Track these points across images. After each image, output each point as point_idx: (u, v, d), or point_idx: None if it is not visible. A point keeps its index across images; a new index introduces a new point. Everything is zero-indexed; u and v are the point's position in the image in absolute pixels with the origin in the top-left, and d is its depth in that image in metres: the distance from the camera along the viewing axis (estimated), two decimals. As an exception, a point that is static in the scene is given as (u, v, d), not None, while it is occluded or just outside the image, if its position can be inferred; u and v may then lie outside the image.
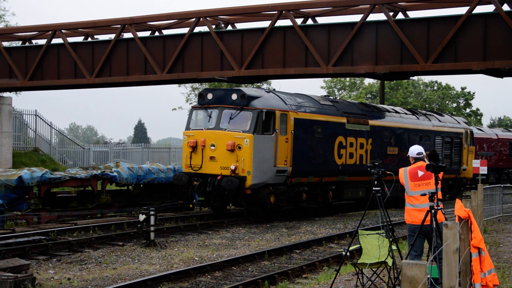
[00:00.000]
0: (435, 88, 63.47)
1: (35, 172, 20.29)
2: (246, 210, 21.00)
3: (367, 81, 59.14)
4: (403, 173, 9.49)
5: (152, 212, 16.21)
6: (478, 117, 64.74)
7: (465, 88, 63.90)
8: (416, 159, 9.60)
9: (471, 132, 31.95)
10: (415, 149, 9.69)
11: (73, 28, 27.43)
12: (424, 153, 9.66)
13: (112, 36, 26.00)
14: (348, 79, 58.45)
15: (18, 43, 30.96)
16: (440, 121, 29.81)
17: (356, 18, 26.17)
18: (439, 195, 8.85)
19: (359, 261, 9.81)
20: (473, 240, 7.74)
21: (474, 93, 64.09)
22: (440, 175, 8.95)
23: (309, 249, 16.27)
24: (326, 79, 57.62)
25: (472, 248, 7.72)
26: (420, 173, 9.33)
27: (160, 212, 21.55)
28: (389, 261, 9.51)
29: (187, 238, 17.70)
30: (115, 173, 22.43)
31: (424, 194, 8.98)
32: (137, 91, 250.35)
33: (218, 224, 20.29)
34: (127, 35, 25.96)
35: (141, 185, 23.78)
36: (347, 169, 23.49)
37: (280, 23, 23.43)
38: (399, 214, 23.29)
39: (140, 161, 36.57)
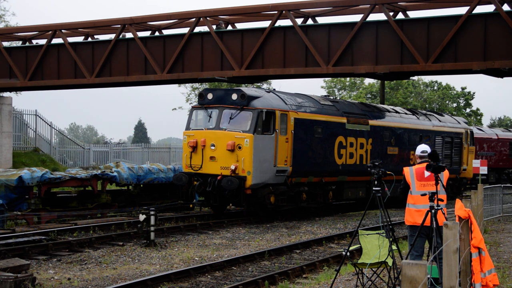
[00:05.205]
0: (435, 88, 63.43)
1: (35, 172, 20.28)
2: (246, 210, 20.99)
3: (367, 81, 59.14)
4: (409, 172, 9.41)
5: (152, 212, 16.21)
6: (478, 117, 64.70)
7: (465, 88, 63.89)
8: (421, 158, 9.56)
9: (471, 132, 31.95)
10: (419, 148, 9.67)
11: (73, 28, 27.45)
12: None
13: (112, 36, 26.00)
14: (348, 79, 58.41)
15: (18, 43, 30.97)
16: (440, 121, 29.80)
17: (356, 18, 26.19)
18: (444, 197, 8.82)
19: (359, 261, 9.80)
20: (473, 240, 7.74)
21: (474, 93, 64.08)
22: (446, 175, 8.91)
23: (309, 249, 16.26)
24: (326, 79, 57.60)
25: (472, 248, 7.71)
26: (427, 174, 9.23)
27: (160, 212, 21.55)
28: (389, 261, 9.50)
29: (187, 238, 17.70)
30: (115, 173, 22.43)
31: (424, 195, 8.96)
32: (137, 91, 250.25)
33: (218, 224, 20.29)
34: (128, 35, 25.96)
35: (141, 185, 23.79)
36: (347, 169, 23.49)
37: (280, 23, 23.48)
38: (399, 214, 23.27)
39: (140, 161, 36.56)
